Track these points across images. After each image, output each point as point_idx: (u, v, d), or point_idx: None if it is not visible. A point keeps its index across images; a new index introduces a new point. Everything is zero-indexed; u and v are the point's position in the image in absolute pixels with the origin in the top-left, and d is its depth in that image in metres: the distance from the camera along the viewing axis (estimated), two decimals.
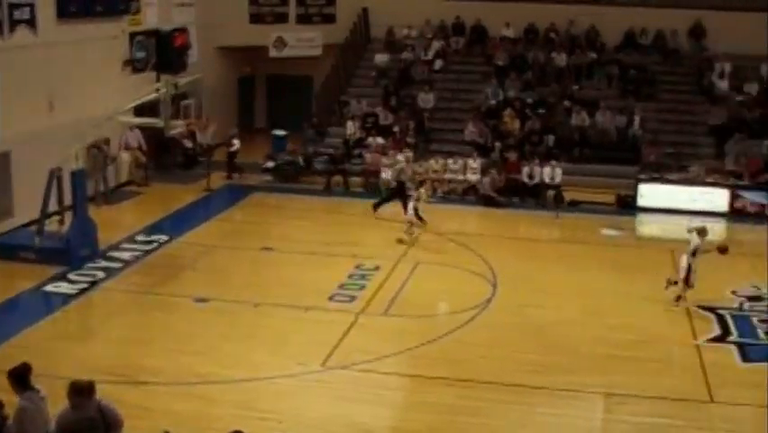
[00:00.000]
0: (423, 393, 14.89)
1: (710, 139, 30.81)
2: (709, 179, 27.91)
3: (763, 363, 16.49)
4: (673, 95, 32.85)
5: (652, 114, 31.71)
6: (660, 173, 28.18)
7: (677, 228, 25.62)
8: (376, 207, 25.38)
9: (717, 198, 27.35)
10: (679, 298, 19.10)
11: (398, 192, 25.30)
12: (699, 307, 18.97)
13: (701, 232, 19.42)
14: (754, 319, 18.59)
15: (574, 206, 27.33)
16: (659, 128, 31.17)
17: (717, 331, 17.91)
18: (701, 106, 32.12)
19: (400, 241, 22.94)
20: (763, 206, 27.21)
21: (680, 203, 27.15)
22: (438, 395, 14.72)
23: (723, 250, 19.69)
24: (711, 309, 18.89)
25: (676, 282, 19.25)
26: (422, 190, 23.51)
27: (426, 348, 16.52)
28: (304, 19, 34.96)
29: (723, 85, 32.44)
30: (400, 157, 27.52)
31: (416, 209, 23.13)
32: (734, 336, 17.68)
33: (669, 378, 15.71)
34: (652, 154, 29.32)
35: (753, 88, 32.25)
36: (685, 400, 14.91)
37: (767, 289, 20.10)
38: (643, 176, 27.95)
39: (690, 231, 19.50)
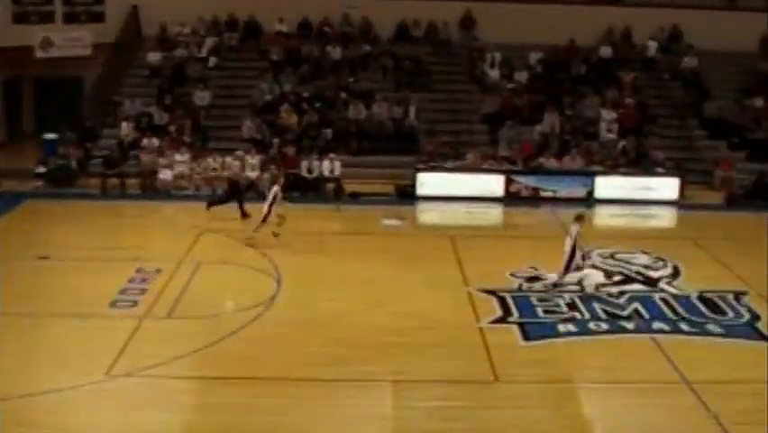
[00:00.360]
0: (213, 394, 14.61)
1: (484, 127, 31.65)
2: (485, 166, 28.65)
3: (543, 341, 17.09)
4: (447, 85, 33.58)
5: (427, 104, 32.32)
6: (437, 162, 28.74)
7: (456, 215, 26.41)
8: (210, 205, 25.10)
9: (493, 184, 28.13)
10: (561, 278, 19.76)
11: (234, 192, 25.10)
12: (480, 290, 19.41)
13: (579, 218, 19.97)
14: (533, 299, 19.16)
15: (355, 198, 27.52)
16: (435, 118, 31.81)
17: (498, 313, 18.35)
18: (474, 95, 33.01)
19: (275, 234, 22.58)
20: (536, 189, 28.15)
21: (457, 190, 27.79)
22: (229, 395, 14.49)
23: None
24: (492, 292, 19.33)
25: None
26: (276, 188, 23.11)
27: (214, 348, 16.23)
28: (71, 18, 33.76)
29: (494, 74, 33.40)
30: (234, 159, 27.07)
31: (270, 207, 22.62)
32: (515, 317, 18.16)
33: (455, 361, 15.97)
34: (429, 144, 29.83)
35: (522, 77, 33.37)
36: (471, 382, 15.21)
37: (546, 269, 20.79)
38: (420, 165, 28.42)
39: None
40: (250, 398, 14.36)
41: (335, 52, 33.70)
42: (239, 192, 25.14)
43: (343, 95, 31.94)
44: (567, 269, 19.68)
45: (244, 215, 24.44)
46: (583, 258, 19.89)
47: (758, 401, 14.73)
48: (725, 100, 33.64)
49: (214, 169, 27.95)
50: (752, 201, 28.64)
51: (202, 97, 31.85)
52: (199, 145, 29.70)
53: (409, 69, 33.56)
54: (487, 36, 34.39)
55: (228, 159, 27.42)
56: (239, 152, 27.59)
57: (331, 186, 27.80)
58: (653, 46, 35.05)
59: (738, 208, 28.16)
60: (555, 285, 19.74)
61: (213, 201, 25.35)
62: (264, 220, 22.49)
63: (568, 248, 19.66)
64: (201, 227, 23.71)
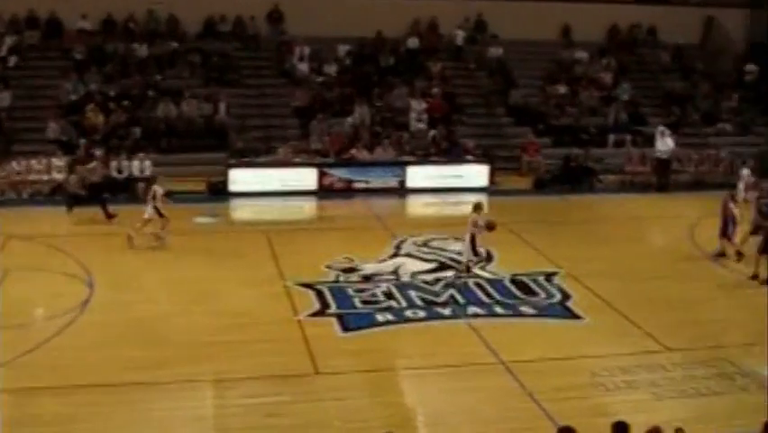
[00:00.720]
0: (27, 406, 14.09)
1: (295, 120, 31.63)
2: (297, 160, 28.63)
3: (361, 331, 17.22)
4: (256, 80, 33.39)
5: (237, 100, 32.08)
6: (249, 158, 28.54)
7: (270, 210, 26.26)
8: (69, 207, 24.59)
9: (306, 177, 28.13)
10: (468, 268, 20.25)
11: (95, 195, 24.64)
12: (297, 284, 19.40)
13: (477, 207, 20.28)
14: (350, 290, 19.27)
15: (167, 196, 26.94)
16: (245, 113, 31.62)
17: (316, 306, 18.37)
18: (284, 89, 32.95)
19: (131, 238, 22.15)
20: (349, 181, 28.30)
21: (270, 185, 27.68)
22: (44, 406, 14.01)
23: (491, 227, 20.34)
24: (309, 286, 19.35)
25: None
26: (156, 187, 22.53)
27: (26, 359, 15.65)
28: None
29: (303, 67, 33.39)
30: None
31: (156, 208, 22.15)
32: (333, 309, 18.23)
33: (275, 357, 15.91)
34: (240, 140, 29.61)
35: (332, 69, 33.53)
36: (292, 376, 15.19)
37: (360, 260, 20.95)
38: (232, 162, 28.18)
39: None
40: (67, 407, 13.94)
41: (141, 50, 33.06)
42: (99, 194, 24.61)
43: (151, 93, 31.36)
44: (476, 254, 20.28)
45: (109, 216, 24.29)
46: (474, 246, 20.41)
47: (570, 378, 15.28)
48: (529, 88, 34.64)
49: (19, 173, 27.05)
50: (558, 185, 29.59)
51: (2, 98, 30.69)
52: (1, 149, 28.62)
53: (218, 64, 33.25)
54: (295, 30, 34.38)
55: (33, 162, 26.52)
56: (98, 153, 26.65)
57: (142, 185, 27.22)
58: (460, 35, 35.77)
59: (546, 192, 29.07)
60: (469, 269, 20.31)
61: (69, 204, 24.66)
62: (164, 218, 22.29)
63: (467, 237, 20.15)
64: (6, 234, 22.84)
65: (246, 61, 34.00)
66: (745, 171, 27.73)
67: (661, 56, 37.46)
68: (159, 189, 22.57)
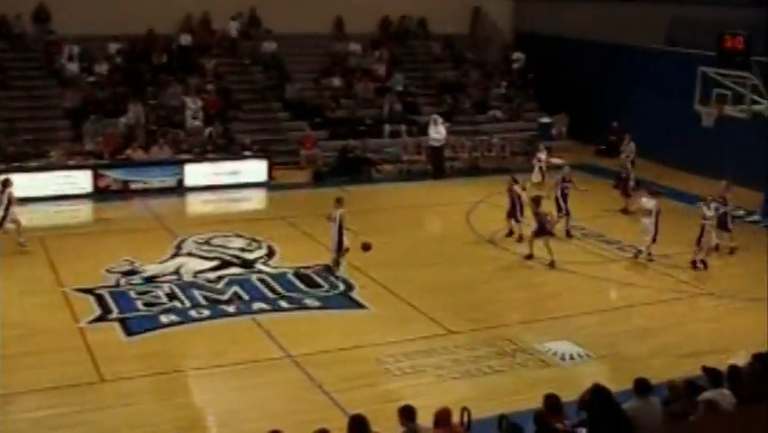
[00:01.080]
0: None
1: (67, 122, 30.74)
2: (71, 162, 27.84)
3: (146, 334, 16.98)
4: (24, 81, 32.22)
5: (4, 102, 30.86)
6: (20, 162, 27.51)
7: (44, 216, 25.38)
8: None
9: (81, 180, 27.38)
10: (337, 263, 20.19)
11: None
12: (76, 290, 18.91)
13: (339, 201, 20.29)
14: (132, 293, 18.93)
15: None
16: (14, 116, 30.43)
17: (97, 311, 17.96)
18: (54, 90, 31.96)
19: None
20: (126, 182, 27.75)
21: (44, 190, 26.75)
22: None
23: (366, 247, 20.08)
24: (89, 291, 18.89)
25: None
26: (11, 191, 21.33)
27: None
28: None
29: (73, 67, 32.48)
30: None
31: (6, 212, 21.31)
32: (115, 313, 17.87)
33: (57, 367, 15.47)
34: (9, 144, 28.53)
35: (103, 69, 32.70)
36: (77, 385, 14.84)
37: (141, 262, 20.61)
38: (2, 167, 27.05)
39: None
40: None
41: None
42: None
43: None
44: (339, 251, 20.17)
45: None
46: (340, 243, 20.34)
47: (357, 366, 15.57)
48: (304, 82, 34.83)
49: None
50: (337, 177, 29.89)
51: None
52: None
53: None
54: (63, 29, 33.36)
55: None
56: None
57: None
58: (234, 27, 35.55)
59: (325, 185, 29.22)
60: (329, 267, 20.33)
61: None
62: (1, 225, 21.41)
63: (335, 232, 20.05)
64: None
65: (13, 62, 32.77)
66: (542, 156, 28.17)
67: (432, 46, 38.37)
68: (15, 194, 21.65)
